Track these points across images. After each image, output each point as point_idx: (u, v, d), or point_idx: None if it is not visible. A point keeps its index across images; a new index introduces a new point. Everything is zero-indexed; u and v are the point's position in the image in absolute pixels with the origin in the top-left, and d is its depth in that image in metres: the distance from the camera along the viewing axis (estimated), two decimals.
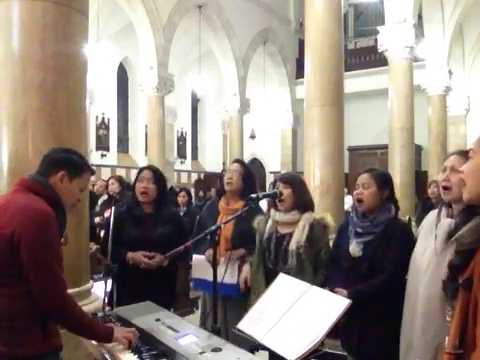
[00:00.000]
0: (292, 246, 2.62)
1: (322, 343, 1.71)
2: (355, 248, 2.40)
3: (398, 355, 2.24)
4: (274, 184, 2.80)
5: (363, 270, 2.36)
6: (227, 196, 3.11)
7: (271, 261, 2.71)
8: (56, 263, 1.68)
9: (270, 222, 2.76)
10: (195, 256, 2.98)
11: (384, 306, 2.28)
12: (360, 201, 2.43)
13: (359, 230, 2.42)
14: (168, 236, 2.77)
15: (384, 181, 2.47)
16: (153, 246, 2.71)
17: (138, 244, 2.72)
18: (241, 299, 2.80)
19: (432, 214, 2.18)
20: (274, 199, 2.68)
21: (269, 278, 2.51)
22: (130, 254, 2.72)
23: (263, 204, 3.12)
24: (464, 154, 2.03)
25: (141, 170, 2.96)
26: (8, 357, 1.63)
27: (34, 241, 1.63)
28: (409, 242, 2.33)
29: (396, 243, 2.32)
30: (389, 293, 2.27)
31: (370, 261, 2.35)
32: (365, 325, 2.29)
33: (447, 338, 1.31)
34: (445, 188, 2.00)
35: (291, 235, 2.66)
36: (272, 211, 2.76)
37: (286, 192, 2.67)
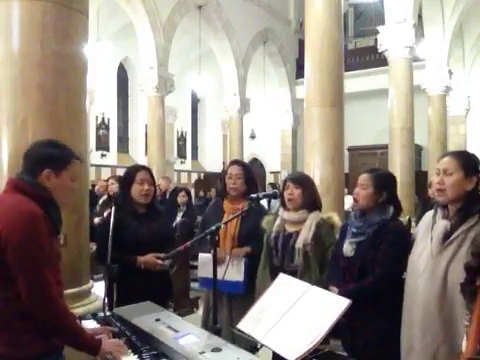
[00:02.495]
0: (299, 244, 2.65)
1: (327, 342, 1.72)
2: (347, 248, 2.42)
3: (391, 354, 2.25)
4: (284, 184, 2.83)
5: (356, 270, 2.37)
6: (231, 197, 3.12)
7: (278, 259, 2.74)
8: (45, 266, 1.63)
9: (278, 221, 2.81)
10: (201, 254, 2.97)
11: (376, 306, 2.29)
12: (356, 200, 2.47)
13: (354, 230, 2.44)
14: (165, 235, 2.84)
15: (383, 183, 2.46)
16: (153, 246, 2.71)
17: (142, 245, 2.72)
18: (246, 297, 2.79)
19: (428, 215, 2.18)
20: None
21: (275, 276, 2.52)
22: (141, 258, 2.68)
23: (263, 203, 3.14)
24: (456, 155, 2.02)
25: (136, 171, 2.91)
26: (9, 358, 1.62)
27: (21, 243, 1.58)
28: (402, 244, 2.32)
29: (387, 245, 2.32)
30: (379, 293, 2.28)
31: (361, 262, 2.36)
32: (358, 325, 2.30)
33: (464, 342, 1.29)
34: (439, 190, 2.01)
35: (298, 234, 2.69)
36: (281, 210, 2.81)
37: (296, 192, 2.73)
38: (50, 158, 1.75)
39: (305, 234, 2.66)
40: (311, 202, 2.76)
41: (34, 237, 1.60)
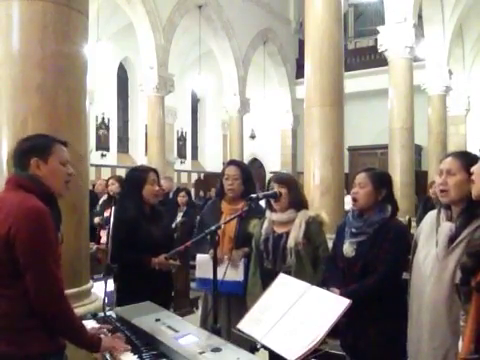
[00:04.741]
0: (290, 244, 2.64)
1: (324, 342, 1.71)
2: (348, 248, 2.41)
3: (392, 354, 2.24)
4: (268, 184, 2.82)
5: (357, 270, 2.36)
6: (229, 197, 3.11)
7: (270, 261, 2.72)
8: (53, 261, 1.65)
9: (266, 223, 2.79)
10: (199, 255, 2.96)
11: (378, 306, 2.29)
12: (355, 200, 2.45)
13: (353, 230, 2.43)
14: (170, 235, 2.87)
15: (381, 181, 2.46)
16: (162, 245, 2.75)
17: (156, 245, 2.75)
18: (245, 299, 2.79)
19: (431, 215, 2.17)
20: (274, 199, 2.70)
21: (267, 279, 2.51)
22: (155, 260, 2.73)
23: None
24: (459, 156, 2.01)
25: (147, 171, 2.95)
26: (13, 358, 1.62)
27: (30, 239, 1.60)
28: (403, 243, 2.32)
29: (389, 244, 2.32)
30: (382, 293, 2.27)
31: (363, 261, 2.35)
32: (359, 325, 2.29)
33: (460, 343, 1.29)
34: (442, 191, 1.99)
35: (288, 234, 2.68)
36: (268, 212, 2.79)
37: (282, 192, 2.70)
38: (33, 147, 1.77)
39: (296, 233, 2.65)
40: (297, 202, 2.75)
41: (43, 233, 1.63)
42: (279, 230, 2.74)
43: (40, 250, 1.62)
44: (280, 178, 2.82)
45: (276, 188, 2.71)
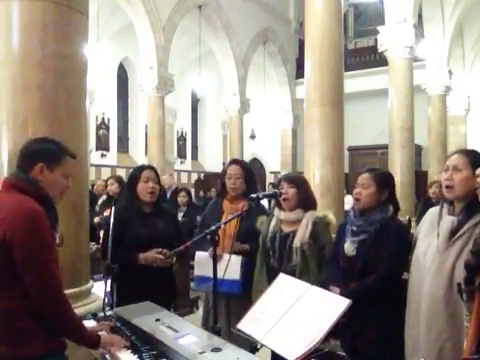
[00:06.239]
0: (296, 243, 2.66)
1: (326, 341, 1.71)
2: (349, 247, 2.41)
3: (391, 354, 2.25)
4: (278, 184, 2.84)
5: (357, 269, 2.36)
6: (230, 196, 3.12)
7: (276, 260, 2.74)
8: (52, 262, 1.66)
9: (274, 221, 2.81)
10: (198, 253, 2.96)
11: (377, 306, 2.29)
12: (358, 200, 2.46)
13: (354, 229, 2.44)
14: (169, 233, 2.85)
15: (384, 182, 2.47)
16: (157, 244, 2.73)
17: (145, 244, 2.73)
18: (244, 298, 2.79)
19: (431, 213, 2.18)
20: (274, 199, 2.72)
21: (273, 277, 2.52)
22: (142, 255, 2.71)
23: (264, 203, 3.14)
24: (465, 153, 2.04)
25: (141, 170, 2.96)
26: (12, 358, 1.63)
27: (27, 242, 1.59)
28: (404, 242, 2.33)
29: (390, 243, 2.32)
30: (381, 292, 2.27)
31: (364, 260, 2.35)
32: (358, 324, 2.29)
33: (465, 344, 1.29)
34: (448, 187, 2.01)
35: (295, 233, 2.70)
36: (276, 210, 2.82)
37: (291, 192, 2.74)
38: (43, 152, 1.76)
39: (302, 233, 2.67)
40: (306, 201, 2.77)
41: (40, 235, 1.62)
42: (286, 229, 2.76)
43: (39, 252, 1.62)
44: (290, 178, 2.86)
45: (286, 187, 2.74)
